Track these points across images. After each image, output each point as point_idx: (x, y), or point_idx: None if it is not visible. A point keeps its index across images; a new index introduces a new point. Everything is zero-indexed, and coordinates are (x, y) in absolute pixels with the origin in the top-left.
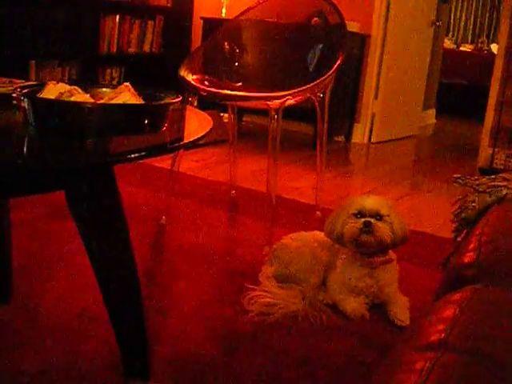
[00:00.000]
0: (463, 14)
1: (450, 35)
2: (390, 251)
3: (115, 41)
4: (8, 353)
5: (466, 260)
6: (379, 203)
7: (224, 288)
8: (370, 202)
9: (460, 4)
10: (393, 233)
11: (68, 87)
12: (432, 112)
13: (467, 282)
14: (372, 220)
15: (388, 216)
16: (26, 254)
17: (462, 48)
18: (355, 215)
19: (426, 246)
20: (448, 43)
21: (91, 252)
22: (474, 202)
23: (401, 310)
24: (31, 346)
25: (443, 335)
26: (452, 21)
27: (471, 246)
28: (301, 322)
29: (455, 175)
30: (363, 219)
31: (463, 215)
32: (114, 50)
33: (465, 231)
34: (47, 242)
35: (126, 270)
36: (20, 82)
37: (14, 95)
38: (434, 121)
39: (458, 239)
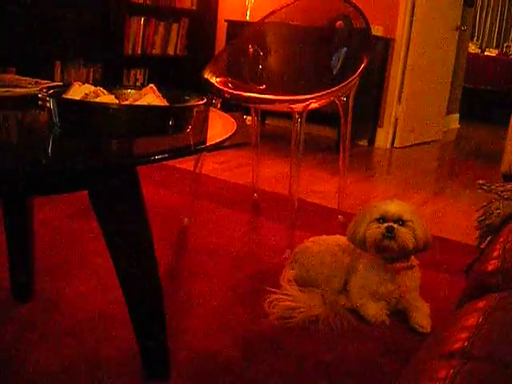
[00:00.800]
0: (488, 19)
1: (474, 40)
2: (413, 257)
3: (140, 43)
4: (29, 351)
5: (490, 267)
6: (402, 208)
7: (245, 290)
8: (393, 207)
9: (485, 8)
10: (415, 238)
11: (93, 88)
12: (456, 117)
13: (491, 290)
14: (395, 225)
15: (411, 221)
16: (48, 254)
17: (486, 53)
18: (378, 220)
19: (449, 252)
20: (473, 48)
21: (113, 252)
22: (498, 208)
23: (422, 317)
24: (52, 344)
25: (466, 343)
26: (477, 25)
27: (495, 253)
28: (321, 326)
29: (480, 181)
30: (386, 224)
31: (487, 222)
32: (139, 52)
33: (489, 238)
34: (70, 241)
35: (147, 271)
36: (46, 83)
37: (40, 96)
38: (457, 126)
39: (482, 246)
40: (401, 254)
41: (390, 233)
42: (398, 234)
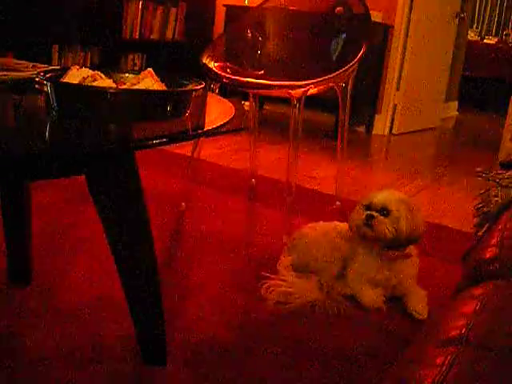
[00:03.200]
0: (488, 6)
1: (474, 27)
2: (411, 246)
3: (138, 27)
4: (27, 335)
5: (488, 255)
6: (388, 198)
7: (242, 276)
8: (380, 197)
9: None
10: (396, 230)
11: (91, 72)
12: (454, 104)
13: (488, 277)
14: (375, 214)
15: (396, 212)
16: (46, 238)
17: (486, 40)
18: (365, 207)
19: (446, 239)
20: (472, 35)
21: (110, 237)
22: (496, 196)
23: (419, 303)
24: (51, 328)
25: (464, 330)
26: (476, 12)
27: (493, 240)
28: (318, 311)
29: (478, 169)
30: (367, 212)
31: (485, 209)
32: (137, 37)
33: (486, 225)
34: (67, 226)
35: (144, 256)
36: (43, 67)
37: (37, 79)
38: (456, 113)
39: (480, 233)
40: (386, 244)
41: (367, 221)
42: (375, 223)
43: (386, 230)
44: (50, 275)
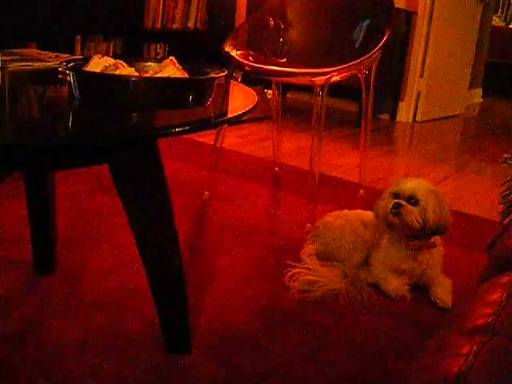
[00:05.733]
0: None
1: (499, 12)
2: (436, 236)
3: (160, 17)
4: (52, 322)
5: None
6: (417, 187)
7: (265, 264)
8: (408, 185)
9: None
10: (424, 220)
11: (113, 61)
12: (478, 91)
13: None
14: (403, 202)
15: (424, 201)
16: (70, 227)
17: (511, 26)
18: (393, 195)
19: (470, 227)
20: (497, 21)
21: (134, 226)
22: None
23: (443, 292)
24: (75, 316)
25: (490, 319)
26: None
27: None
28: (342, 300)
29: (505, 155)
30: (395, 200)
31: (511, 197)
32: (159, 26)
33: None
34: (91, 215)
35: (168, 245)
36: (66, 57)
37: (60, 69)
38: (480, 100)
39: (505, 222)
40: (413, 233)
41: (395, 209)
42: (403, 211)
43: (414, 220)
44: (75, 264)
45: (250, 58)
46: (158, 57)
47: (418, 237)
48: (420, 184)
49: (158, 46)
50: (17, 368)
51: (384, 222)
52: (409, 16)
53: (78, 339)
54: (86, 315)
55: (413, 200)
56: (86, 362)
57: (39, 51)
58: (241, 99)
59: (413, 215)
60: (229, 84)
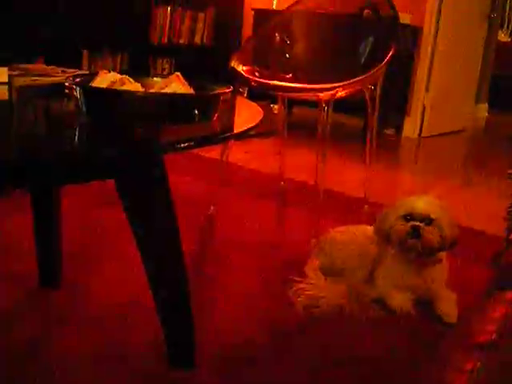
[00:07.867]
0: None
1: (504, 28)
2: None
3: (166, 32)
4: (58, 337)
5: None
6: (430, 206)
7: (270, 280)
8: (421, 205)
9: None
10: (442, 238)
11: (119, 76)
12: (484, 106)
13: None
14: (421, 224)
15: (439, 220)
16: (75, 242)
17: None
18: (405, 217)
19: (476, 242)
20: (502, 36)
21: (139, 241)
22: None
23: (448, 307)
24: (80, 330)
25: (494, 336)
26: (507, 13)
27: None
28: (346, 315)
29: (510, 171)
30: (412, 223)
31: None
32: (165, 41)
33: None
34: (97, 230)
35: (173, 260)
36: (72, 72)
37: (67, 84)
38: (485, 115)
39: (511, 237)
40: (434, 252)
41: (415, 232)
42: (423, 233)
43: (434, 240)
44: (79, 279)
45: (256, 73)
46: (165, 72)
47: (422, 254)
48: (431, 202)
49: (165, 60)
50: (21, 382)
51: (402, 247)
52: (414, 31)
53: (82, 353)
54: (90, 329)
55: (427, 220)
56: (90, 376)
57: (46, 66)
58: (246, 115)
59: (434, 236)
60: (234, 99)
